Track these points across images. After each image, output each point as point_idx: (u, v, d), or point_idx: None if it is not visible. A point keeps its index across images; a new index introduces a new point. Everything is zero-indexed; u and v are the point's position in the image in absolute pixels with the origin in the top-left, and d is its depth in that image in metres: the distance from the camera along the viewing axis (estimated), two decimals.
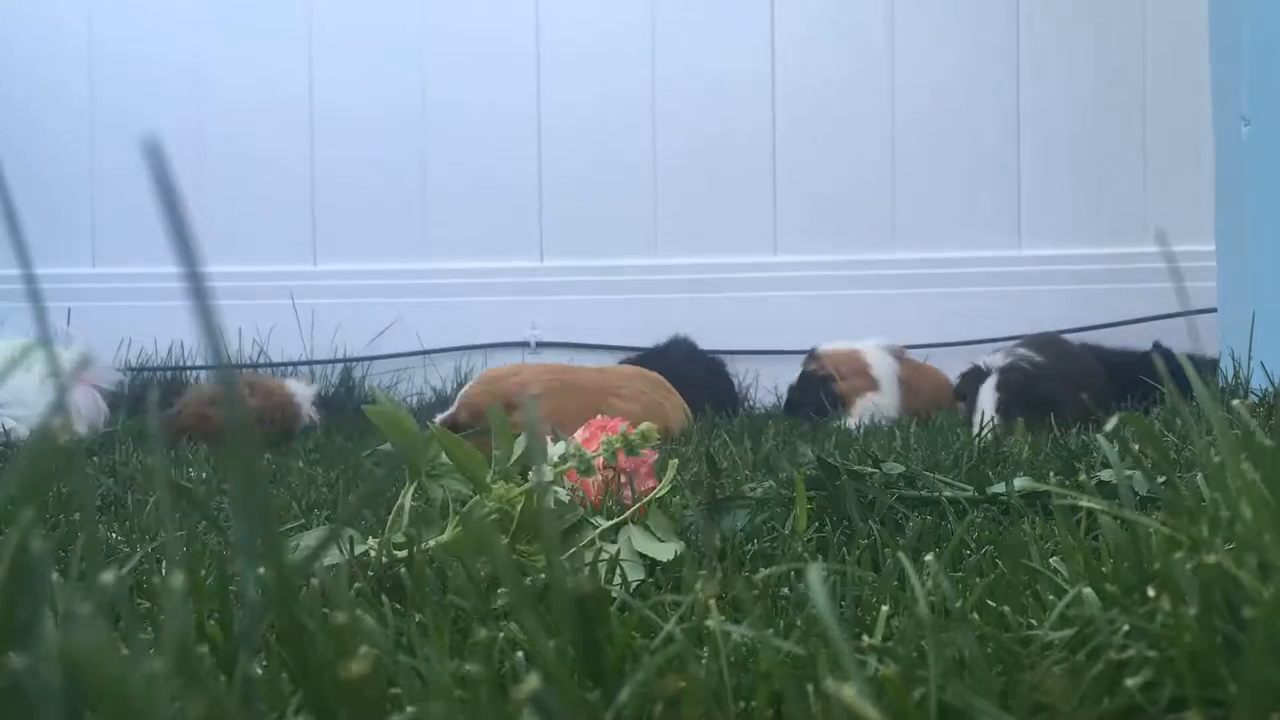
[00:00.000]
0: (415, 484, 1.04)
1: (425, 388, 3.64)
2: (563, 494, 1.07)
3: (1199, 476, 0.75)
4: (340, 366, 3.67)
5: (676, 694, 0.52)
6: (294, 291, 3.70)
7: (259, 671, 0.46)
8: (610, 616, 0.63)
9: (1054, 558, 0.85)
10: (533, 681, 0.48)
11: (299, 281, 3.74)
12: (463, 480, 1.03)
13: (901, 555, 0.71)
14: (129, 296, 3.72)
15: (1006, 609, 0.71)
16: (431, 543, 0.93)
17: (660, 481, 1.12)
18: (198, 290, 0.38)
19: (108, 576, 0.43)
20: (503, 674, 0.64)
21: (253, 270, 3.71)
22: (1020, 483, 1.23)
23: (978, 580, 0.83)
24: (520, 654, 0.64)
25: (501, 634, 0.67)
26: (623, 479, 1.15)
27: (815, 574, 0.51)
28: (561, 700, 0.47)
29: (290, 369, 3.62)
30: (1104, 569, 0.70)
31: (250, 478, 0.40)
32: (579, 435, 1.22)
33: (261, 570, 0.43)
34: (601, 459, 1.12)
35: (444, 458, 1.05)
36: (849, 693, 0.42)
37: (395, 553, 0.93)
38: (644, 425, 1.15)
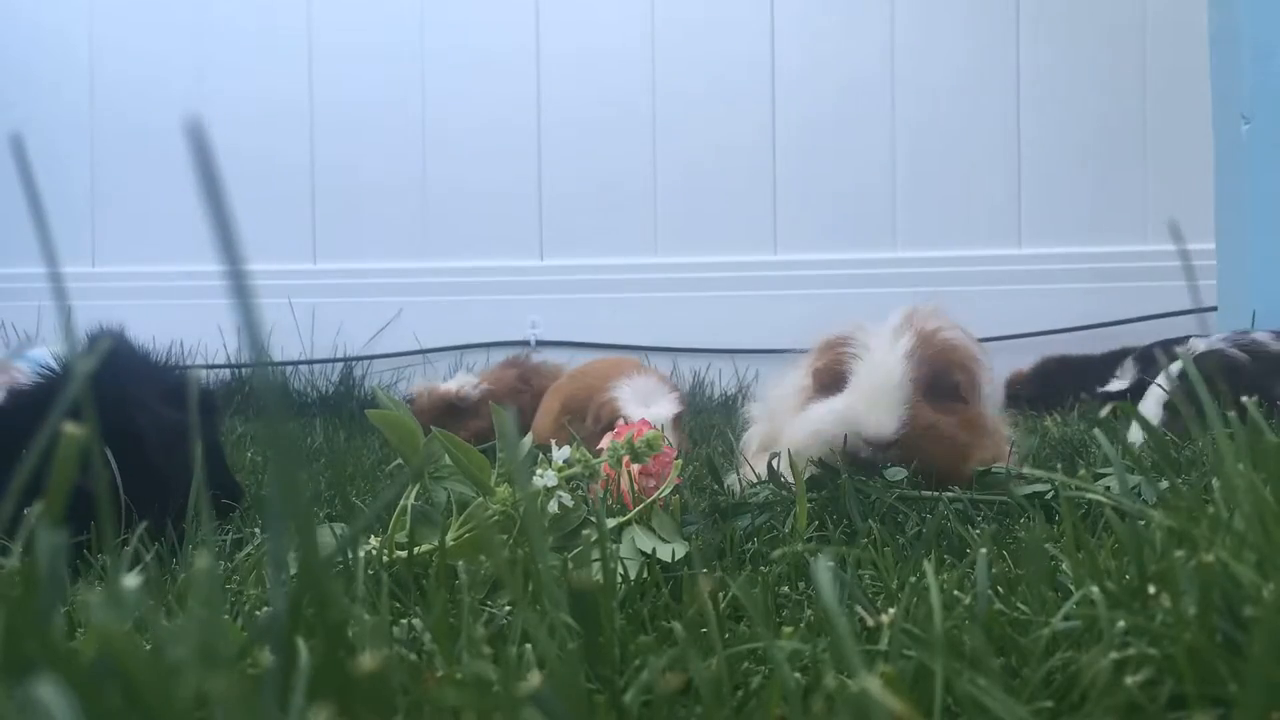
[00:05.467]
0: (418, 485, 1.04)
1: None
2: (566, 498, 1.07)
3: (1205, 474, 0.75)
4: (340, 366, 3.67)
5: (679, 689, 0.52)
6: (294, 290, 3.70)
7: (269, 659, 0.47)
8: (613, 613, 0.63)
9: (1053, 555, 0.85)
10: (535, 679, 0.48)
11: (299, 280, 3.74)
12: (465, 482, 1.03)
13: (906, 551, 0.71)
14: (128, 295, 3.72)
15: (1005, 605, 0.71)
16: (435, 542, 0.93)
17: (680, 479, 1.12)
18: (240, 286, 0.38)
19: (131, 580, 0.43)
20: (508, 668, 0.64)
21: (252, 269, 3.71)
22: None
23: (974, 577, 0.83)
24: (528, 646, 0.64)
25: (505, 625, 0.67)
26: (637, 479, 1.16)
27: (822, 566, 0.51)
28: (563, 697, 0.47)
29: (291, 368, 3.62)
30: (1104, 567, 0.70)
31: (289, 473, 0.40)
32: (607, 440, 1.21)
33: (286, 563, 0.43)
34: (607, 463, 1.12)
35: (447, 460, 1.05)
36: (872, 684, 0.42)
37: (398, 551, 0.94)
38: (649, 433, 1.16)
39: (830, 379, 1.40)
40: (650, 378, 2.09)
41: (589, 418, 1.99)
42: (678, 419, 2.00)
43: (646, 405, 1.95)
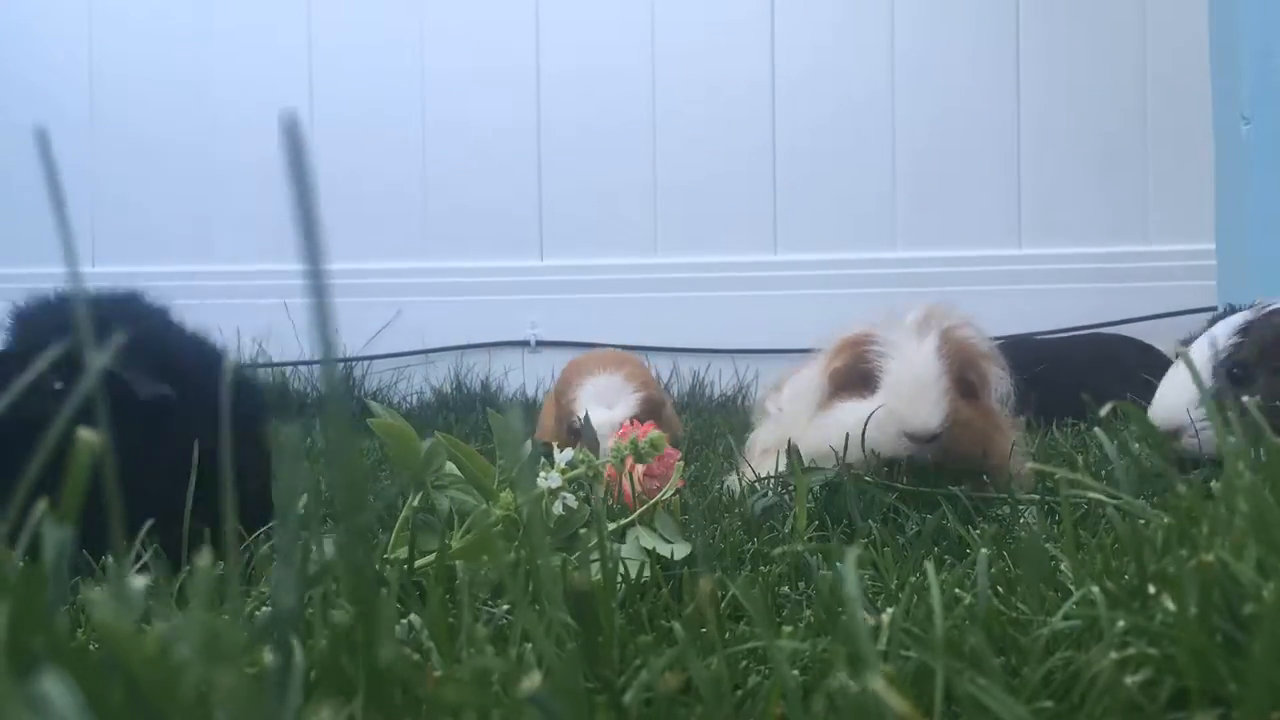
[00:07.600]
0: (420, 494, 1.03)
1: (425, 387, 3.64)
2: (570, 499, 1.07)
3: (1205, 473, 0.75)
4: (340, 366, 3.67)
5: (679, 689, 0.52)
6: (293, 290, 3.70)
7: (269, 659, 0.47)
8: (613, 613, 0.63)
9: (1053, 555, 0.85)
10: (534, 679, 0.48)
11: (298, 280, 3.74)
12: (467, 490, 1.03)
13: (905, 550, 0.71)
14: None
15: (1005, 605, 0.71)
16: (437, 550, 0.93)
17: (683, 480, 1.12)
18: (317, 286, 0.38)
19: (138, 581, 0.43)
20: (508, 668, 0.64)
21: (252, 269, 3.72)
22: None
23: (974, 576, 0.83)
24: (528, 646, 0.64)
25: (504, 625, 0.67)
26: (641, 481, 1.15)
27: (849, 559, 0.51)
28: (563, 697, 0.47)
29: (290, 368, 3.62)
30: (1103, 567, 0.70)
31: (349, 467, 0.40)
32: (612, 440, 1.21)
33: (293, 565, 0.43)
34: (611, 465, 1.12)
35: (449, 468, 1.05)
36: (878, 684, 0.42)
37: (398, 556, 0.93)
38: (653, 433, 1.15)
39: (851, 378, 1.37)
40: (615, 376, 1.99)
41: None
42: (635, 422, 1.92)
43: (609, 407, 1.90)
